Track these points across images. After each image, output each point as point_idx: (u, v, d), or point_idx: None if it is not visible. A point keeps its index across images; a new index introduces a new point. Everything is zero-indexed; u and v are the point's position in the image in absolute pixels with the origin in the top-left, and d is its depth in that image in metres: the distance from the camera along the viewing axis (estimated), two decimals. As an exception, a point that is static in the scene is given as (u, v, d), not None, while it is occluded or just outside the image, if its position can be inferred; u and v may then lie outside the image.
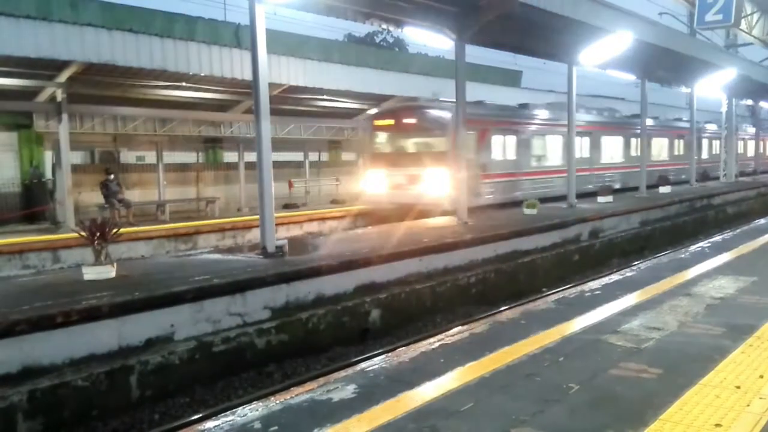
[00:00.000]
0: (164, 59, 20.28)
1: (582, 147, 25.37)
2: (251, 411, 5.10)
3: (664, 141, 33.59)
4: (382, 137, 21.61)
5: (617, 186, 26.82)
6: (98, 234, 9.84)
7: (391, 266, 12.04)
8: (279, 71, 21.79)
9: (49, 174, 20.87)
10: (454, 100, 16.36)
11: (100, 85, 20.14)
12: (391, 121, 21.12)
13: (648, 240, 20.33)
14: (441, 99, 20.94)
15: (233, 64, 22.71)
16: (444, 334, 7.37)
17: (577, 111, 21.87)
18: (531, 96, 33.86)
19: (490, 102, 23.67)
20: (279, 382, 9.14)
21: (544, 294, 12.89)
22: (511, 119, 22.82)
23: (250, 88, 12.58)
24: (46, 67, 17.91)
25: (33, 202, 20.49)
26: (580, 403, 5.09)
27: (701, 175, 32.10)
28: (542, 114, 24.57)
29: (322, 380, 5.83)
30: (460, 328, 7.67)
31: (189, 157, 26.45)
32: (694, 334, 6.91)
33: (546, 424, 4.74)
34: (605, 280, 10.32)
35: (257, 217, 11.94)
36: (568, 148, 20.99)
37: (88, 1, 21.33)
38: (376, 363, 6.24)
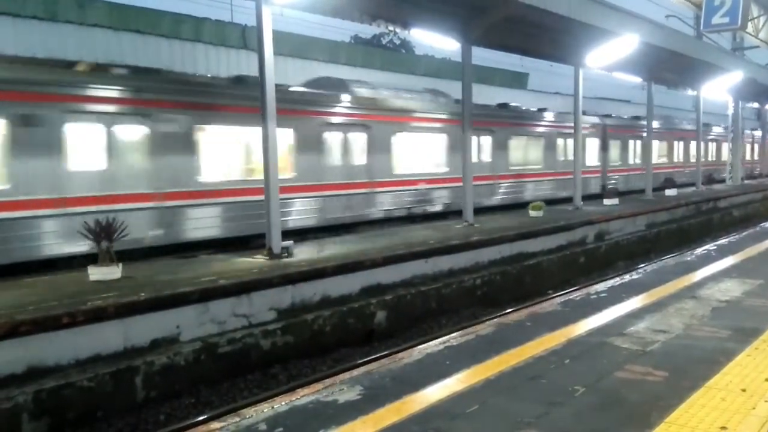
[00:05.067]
0: (171, 60, 20.34)
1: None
2: (257, 412, 5.10)
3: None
4: None
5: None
6: (103, 235, 9.86)
7: (396, 267, 12.05)
8: (285, 72, 21.81)
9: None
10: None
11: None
12: None
13: (654, 243, 20.28)
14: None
15: (240, 65, 22.79)
16: (449, 335, 7.37)
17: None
18: (534, 98, 33.84)
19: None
20: (284, 383, 9.15)
21: (549, 296, 12.88)
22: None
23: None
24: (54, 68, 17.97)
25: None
26: (585, 405, 5.08)
27: (707, 177, 32.02)
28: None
29: (327, 382, 5.82)
30: (465, 330, 7.65)
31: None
32: (699, 336, 6.89)
33: (551, 426, 4.73)
34: (611, 282, 10.28)
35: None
36: (575, 149, 21.01)
37: (95, 1, 21.39)
38: (381, 365, 6.24)
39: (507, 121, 22.91)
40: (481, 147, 21.58)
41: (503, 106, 24.03)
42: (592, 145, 27.56)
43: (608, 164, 28.66)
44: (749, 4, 26.54)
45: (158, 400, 8.30)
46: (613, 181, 28.40)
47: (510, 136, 22.85)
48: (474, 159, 19.27)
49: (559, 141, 25.68)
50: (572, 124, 23.71)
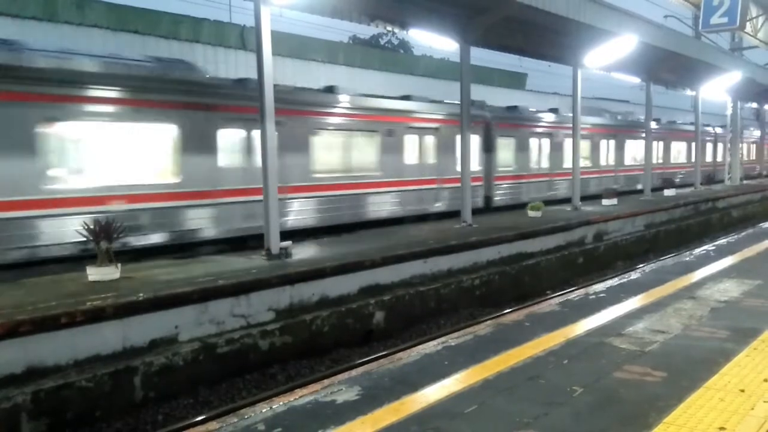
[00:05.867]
0: (170, 61, 20.22)
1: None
2: (255, 413, 5.10)
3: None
4: None
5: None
6: (102, 235, 9.85)
7: (395, 268, 12.04)
8: (284, 73, 21.79)
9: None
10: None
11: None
12: None
13: (652, 243, 20.30)
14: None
15: (238, 66, 22.78)
16: (448, 336, 7.37)
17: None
18: (533, 98, 33.82)
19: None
20: (283, 383, 9.15)
21: (548, 296, 12.89)
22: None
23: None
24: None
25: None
26: (584, 405, 5.09)
27: (706, 178, 32.04)
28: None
29: (326, 382, 5.82)
30: (463, 330, 7.65)
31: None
32: (698, 337, 6.90)
33: (550, 426, 4.73)
34: (609, 282, 10.29)
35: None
36: (573, 150, 20.95)
37: (94, 2, 21.39)
38: (380, 365, 6.24)
39: (309, 109, 16.10)
40: (255, 146, 14.32)
41: (330, 89, 17.31)
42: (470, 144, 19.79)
43: (495, 170, 21.79)
44: (748, 4, 26.60)
45: (157, 401, 8.30)
46: (502, 192, 22.19)
47: (315, 129, 16.16)
48: (235, 163, 14.37)
49: (409, 138, 18.78)
50: (428, 116, 19.14)
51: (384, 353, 9.66)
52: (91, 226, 9.98)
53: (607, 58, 19.23)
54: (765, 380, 5.52)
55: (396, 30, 15.56)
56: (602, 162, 28.13)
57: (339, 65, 29.02)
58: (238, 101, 14.23)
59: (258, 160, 13.63)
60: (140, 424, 7.95)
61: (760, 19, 30.62)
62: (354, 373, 6.06)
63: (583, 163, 24.86)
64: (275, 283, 10.09)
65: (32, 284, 9.70)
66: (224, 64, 23.56)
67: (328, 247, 13.15)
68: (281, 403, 5.28)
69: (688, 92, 31.52)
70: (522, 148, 23.15)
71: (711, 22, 25.61)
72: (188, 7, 27.82)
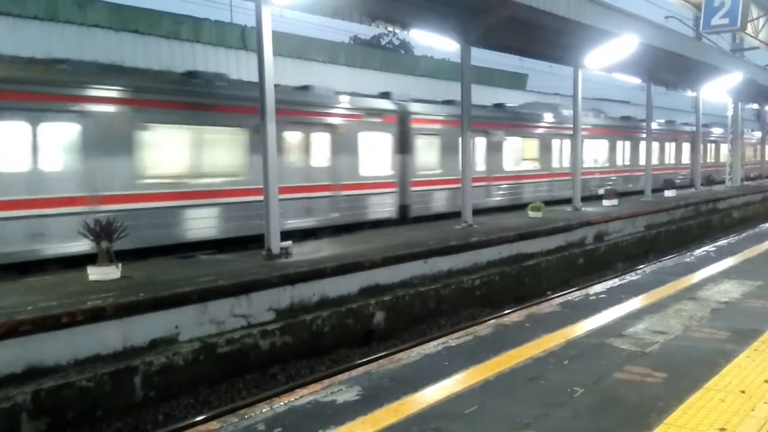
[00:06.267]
0: (171, 60, 20.32)
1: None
2: (255, 413, 5.10)
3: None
4: None
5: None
6: (103, 234, 9.85)
7: (395, 268, 12.04)
8: (284, 73, 21.80)
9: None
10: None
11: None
12: None
13: (653, 244, 20.29)
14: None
15: (239, 66, 22.76)
16: (448, 336, 7.37)
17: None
18: (534, 98, 33.78)
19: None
20: (283, 383, 9.15)
21: (548, 297, 12.88)
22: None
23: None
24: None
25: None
26: (584, 406, 5.08)
27: (706, 179, 31.99)
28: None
29: (326, 382, 5.82)
30: (464, 330, 7.65)
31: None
32: (698, 338, 6.89)
33: (550, 427, 4.73)
34: (610, 283, 10.28)
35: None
36: (573, 151, 20.91)
37: (96, 2, 21.39)
38: (380, 365, 6.24)
39: (135, 97, 12.60)
40: (45, 145, 11.43)
41: (190, 74, 14.66)
42: (376, 142, 17.53)
43: (413, 174, 18.42)
44: (749, 5, 26.58)
45: (157, 400, 8.30)
46: (422, 199, 18.77)
47: (143, 123, 12.67)
48: (14, 167, 11.03)
49: (291, 136, 15.41)
50: (319, 110, 15.95)
51: (384, 353, 9.66)
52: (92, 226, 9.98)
53: (608, 58, 19.23)
54: (766, 381, 5.52)
55: (397, 30, 15.55)
56: (554, 165, 24.52)
57: (340, 65, 29.02)
58: (17, 86, 11.10)
59: (50, 162, 11.39)
60: (140, 424, 7.95)
61: (761, 20, 30.60)
62: (354, 373, 6.06)
63: (531, 165, 23.19)
64: (275, 283, 10.10)
65: (33, 283, 9.70)
66: (225, 64, 23.55)
67: (328, 246, 13.14)
68: (281, 403, 5.28)
69: (689, 93, 31.50)
70: (449, 149, 19.25)
71: (712, 23, 25.59)
72: (189, 7, 27.85)
